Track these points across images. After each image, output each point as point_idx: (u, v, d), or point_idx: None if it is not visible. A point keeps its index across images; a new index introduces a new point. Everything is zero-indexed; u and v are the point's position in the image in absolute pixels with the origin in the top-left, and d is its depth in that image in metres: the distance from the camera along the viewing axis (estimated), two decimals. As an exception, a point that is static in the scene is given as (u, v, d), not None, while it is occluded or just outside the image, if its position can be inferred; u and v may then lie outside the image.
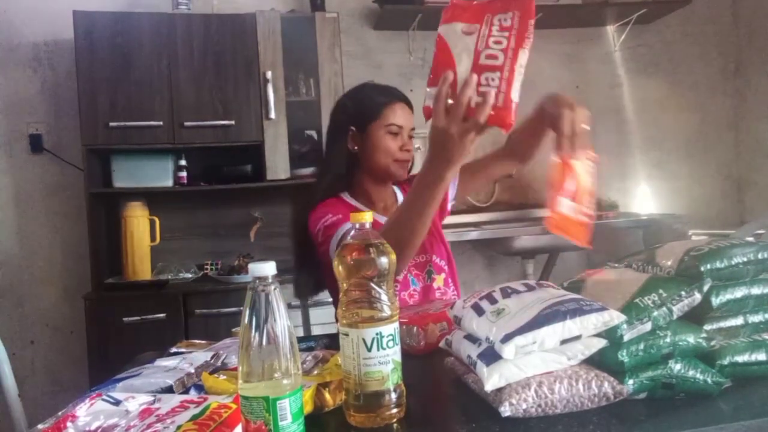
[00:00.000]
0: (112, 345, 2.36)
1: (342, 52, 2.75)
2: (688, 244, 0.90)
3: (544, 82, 3.29)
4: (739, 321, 0.85)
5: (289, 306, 0.72)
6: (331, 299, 1.61)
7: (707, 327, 0.82)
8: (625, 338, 0.76)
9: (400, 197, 1.56)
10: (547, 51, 3.27)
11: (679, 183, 3.40)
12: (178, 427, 0.68)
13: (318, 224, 1.37)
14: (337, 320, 1.56)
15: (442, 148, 0.94)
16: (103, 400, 0.79)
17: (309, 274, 1.56)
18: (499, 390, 0.74)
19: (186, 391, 0.88)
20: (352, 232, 0.78)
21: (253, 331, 0.65)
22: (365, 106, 1.47)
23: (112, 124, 2.48)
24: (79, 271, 2.77)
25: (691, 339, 0.78)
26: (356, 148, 1.46)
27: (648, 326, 0.77)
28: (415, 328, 1.07)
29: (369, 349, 0.73)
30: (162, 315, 2.39)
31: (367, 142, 1.45)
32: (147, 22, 2.54)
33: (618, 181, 3.35)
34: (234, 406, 0.72)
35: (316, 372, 0.88)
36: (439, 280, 1.50)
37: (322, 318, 2.19)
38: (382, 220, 1.44)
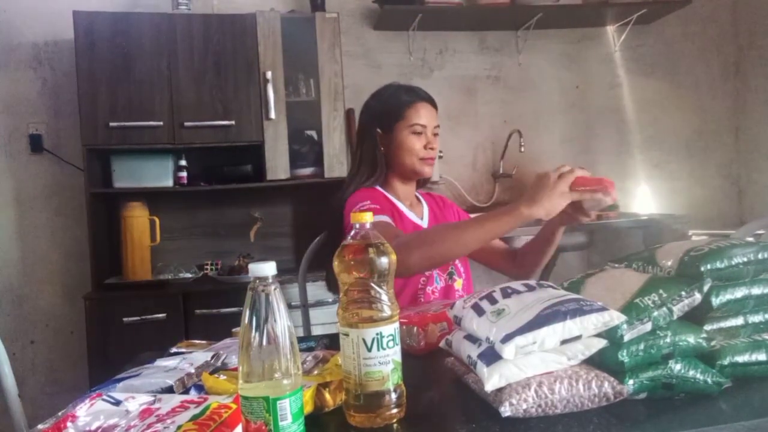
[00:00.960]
0: (112, 345, 2.36)
1: (342, 52, 2.75)
2: (688, 244, 0.90)
3: (544, 82, 3.30)
4: (739, 321, 0.85)
5: (289, 306, 0.72)
6: (331, 299, 1.63)
7: (707, 327, 0.82)
8: (625, 338, 0.76)
9: (425, 207, 1.62)
10: (547, 51, 3.27)
11: (679, 183, 3.40)
12: (179, 427, 0.68)
13: (356, 207, 1.43)
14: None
15: (536, 189, 1.08)
16: (103, 400, 0.79)
17: None
18: (499, 390, 0.74)
19: (186, 391, 0.88)
20: (352, 232, 0.78)
21: (254, 331, 0.65)
22: (389, 107, 1.53)
23: (112, 124, 2.48)
24: (79, 271, 2.77)
25: (691, 339, 0.78)
26: (383, 148, 1.53)
27: (648, 326, 0.77)
28: (415, 328, 1.07)
29: (369, 349, 0.73)
30: (162, 315, 2.39)
31: (393, 142, 1.52)
32: (147, 22, 2.54)
33: (618, 181, 3.29)
34: (234, 406, 0.72)
35: (316, 372, 0.88)
36: (459, 283, 1.56)
37: (322, 318, 2.19)
38: (411, 216, 1.54)
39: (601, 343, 0.76)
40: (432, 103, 1.55)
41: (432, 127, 1.53)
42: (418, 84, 3.07)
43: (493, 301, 0.84)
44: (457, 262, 1.55)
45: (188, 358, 1.01)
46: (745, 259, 0.84)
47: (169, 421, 0.71)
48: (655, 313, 0.77)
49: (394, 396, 0.74)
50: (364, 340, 0.73)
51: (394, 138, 1.51)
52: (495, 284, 0.91)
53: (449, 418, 0.79)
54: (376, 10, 2.96)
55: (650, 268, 0.91)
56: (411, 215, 1.54)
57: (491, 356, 0.76)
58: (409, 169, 1.52)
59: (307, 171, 2.74)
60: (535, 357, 0.75)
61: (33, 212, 2.81)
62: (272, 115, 2.62)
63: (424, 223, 1.57)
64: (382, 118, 1.53)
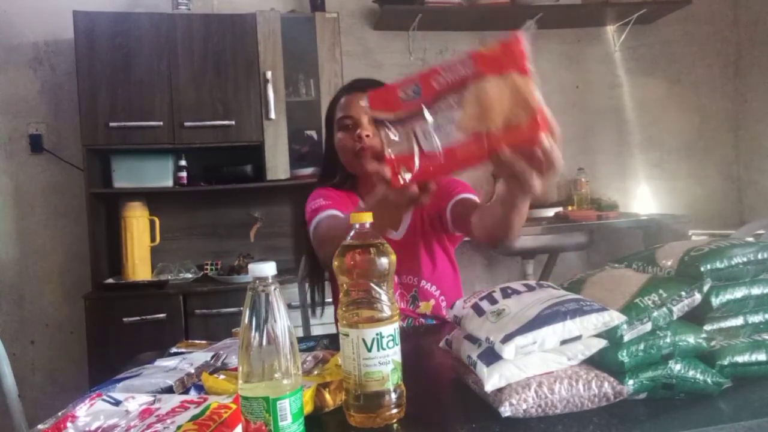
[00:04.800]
0: (112, 345, 2.36)
1: (342, 52, 2.75)
2: (688, 244, 0.90)
3: (544, 82, 3.27)
4: (739, 321, 0.85)
5: (289, 306, 0.72)
6: (330, 299, 1.58)
7: (707, 327, 0.82)
8: (625, 338, 0.76)
9: None
10: (547, 51, 3.27)
11: (679, 183, 3.40)
12: (179, 428, 0.68)
13: (308, 206, 1.36)
14: (309, 280, 1.51)
15: None
16: (103, 400, 0.79)
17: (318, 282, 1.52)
18: (499, 390, 0.74)
19: (186, 392, 0.88)
20: (352, 232, 0.78)
21: (253, 331, 0.65)
22: (328, 110, 1.45)
23: (112, 124, 2.48)
24: (79, 271, 2.77)
25: (691, 339, 0.78)
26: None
27: (648, 326, 0.77)
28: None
29: (369, 350, 0.72)
30: (162, 315, 2.39)
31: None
32: (147, 22, 2.54)
33: (618, 181, 3.35)
34: (234, 407, 0.72)
35: (316, 372, 0.88)
36: (426, 307, 1.39)
37: (322, 318, 2.19)
38: None
39: (601, 343, 0.76)
40: (363, 88, 1.35)
41: (364, 112, 1.34)
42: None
43: (493, 301, 0.84)
44: (423, 282, 1.38)
45: (188, 358, 1.01)
46: (745, 259, 0.84)
47: (169, 421, 0.71)
48: (655, 314, 0.77)
49: (394, 396, 0.74)
50: (364, 341, 0.72)
51: (335, 141, 1.40)
52: (495, 284, 0.91)
53: (449, 418, 0.79)
54: (376, 10, 2.96)
55: (650, 268, 0.91)
56: None
57: (491, 356, 0.76)
58: (352, 170, 1.39)
59: (307, 171, 2.74)
60: (535, 357, 0.75)
61: (33, 212, 2.81)
62: (272, 115, 2.62)
63: (407, 219, 1.41)
64: (328, 125, 1.45)
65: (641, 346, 0.76)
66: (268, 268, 0.66)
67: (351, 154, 1.36)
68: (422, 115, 0.76)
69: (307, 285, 1.63)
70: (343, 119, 1.36)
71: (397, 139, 0.79)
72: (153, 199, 2.64)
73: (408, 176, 0.78)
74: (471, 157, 0.73)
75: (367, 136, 1.34)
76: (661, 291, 0.80)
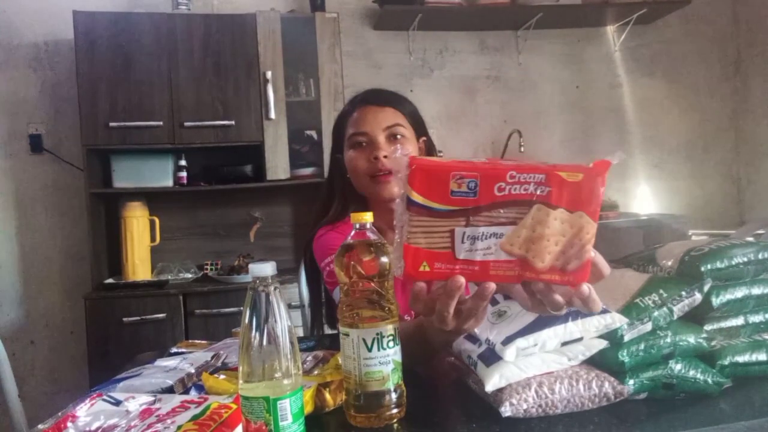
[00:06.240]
0: (112, 345, 2.36)
1: (342, 52, 2.75)
2: (688, 244, 0.90)
3: (544, 82, 3.30)
4: (739, 321, 0.85)
5: (289, 306, 0.71)
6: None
7: (708, 327, 0.82)
8: (626, 338, 0.76)
9: None
10: (547, 51, 3.27)
11: (679, 183, 3.40)
12: (179, 427, 0.68)
13: (324, 259, 1.22)
14: (328, 324, 1.46)
15: None
16: (104, 400, 0.79)
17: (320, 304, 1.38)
18: (500, 390, 0.74)
19: (186, 392, 0.88)
20: (353, 233, 0.78)
21: (254, 331, 0.65)
22: (336, 125, 1.31)
23: (112, 124, 2.48)
24: (79, 271, 2.77)
25: (691, 339, 0.78)
26: (348, 175, 1.27)
27: (648, 326, 0.77)
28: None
29: (369, 349, 0.72)
30: (162, 315, 2.39)
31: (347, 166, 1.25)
32: (147, 22, 2.54)
33: (618, 181, 3.35)
34: (234, 407, 0.72)
35: (316, 372, 0.88)
36: None
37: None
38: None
39: (602, 343, 0.76)
40: (379, 101, 1.24)
41: (380, 129, 1.20)
42: (418, 84, 3.11)
43: (494, 302, 0.84)
44: None
45: (188, 358, 1.01)
46: (745, 259, 0.84)
47: (169, 421, 0.71)
48: (656, 313, 0.77)
49: (394, 396, 0.74)
50: (364, 340, 0.72)
51: (346, 160, 1.24)
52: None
53: (449, 418, 0.79)
54: (376, 10, 2.96)
55: (650, 268, 0.91)
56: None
57: (492, 356, 0.76)
58: (367, 194, 1.24)
59: (307, 171, 2.74)
60: (536, 357, 0.75)
61: (33, 212, 2.81)
62: (272, 115, 2.62)
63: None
64: (335, 140, 1.30)
65: (642, 346, 0.76)
66: (268, 268, 0.66)
67: (366, 177, 1.21)
68: (468, 219, 0.66)
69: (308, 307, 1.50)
70: (356, 136, 1.22)
71: (427, 230, 0.67)
72: (153, 199, 2.64)
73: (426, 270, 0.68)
74: (503, 278, 0.66)
75: (385, 157, 1.18)
76: (661, 291, 0.80)
